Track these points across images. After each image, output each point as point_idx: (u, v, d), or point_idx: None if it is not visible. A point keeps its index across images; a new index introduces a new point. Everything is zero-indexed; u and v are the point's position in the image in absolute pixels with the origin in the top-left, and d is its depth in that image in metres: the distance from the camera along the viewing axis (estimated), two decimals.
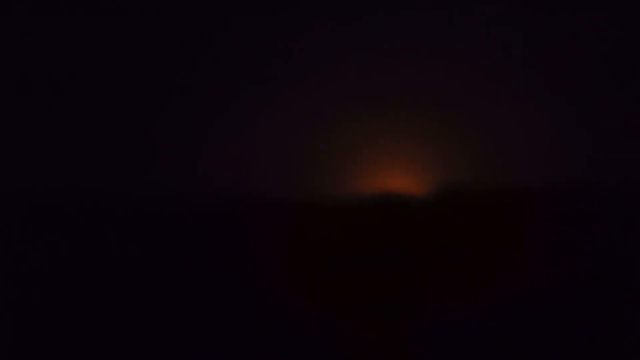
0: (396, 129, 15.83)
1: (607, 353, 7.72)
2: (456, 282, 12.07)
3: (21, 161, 15.03)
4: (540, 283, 11.79)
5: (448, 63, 14.79)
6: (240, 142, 15.27)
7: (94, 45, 14.65)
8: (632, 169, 14.89)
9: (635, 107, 14.69)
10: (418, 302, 10.45)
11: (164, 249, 15.93)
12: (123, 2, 14.39)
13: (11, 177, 14.75)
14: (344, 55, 14.55)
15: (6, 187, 15.00)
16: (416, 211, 17.48)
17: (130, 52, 14.69)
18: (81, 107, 14.96)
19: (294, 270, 13.37)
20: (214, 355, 7.75)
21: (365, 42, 14.74)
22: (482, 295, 10.83)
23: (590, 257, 14.06)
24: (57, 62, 14.83)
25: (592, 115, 14.73)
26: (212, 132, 15.14)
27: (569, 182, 16.77)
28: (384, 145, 16.16)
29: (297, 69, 14.49)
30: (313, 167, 16.26)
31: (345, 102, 15.01)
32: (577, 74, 14.72)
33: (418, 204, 17.92)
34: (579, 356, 7.61)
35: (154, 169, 15.31)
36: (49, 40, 14.63)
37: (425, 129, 16.11)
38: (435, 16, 14.62)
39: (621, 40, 13.96)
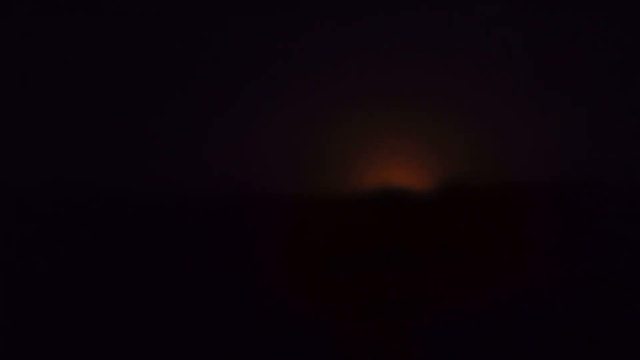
0: (397, 128, 15.83)
1: (607, 353, 7.72)
2: (456, 280, 12.07)
3: (21, 161, 15.03)
4: (540, 282, 11.79)
5: (448, 62, 14.79)
6: (240, 140, 15.27)
7: (94, 45, 14.64)
8: (632, 169, 14.89)
9: (635, 107, 14.69)
10: (418, 301, 10.45)
11: (164, 249, 15.93)
12: (123, 2, 14.40)
13: (11, 177, 14.74)
14: (344, 55, 14.55)
15: (6, 186, 15.00)
16: (417, 208, 17.47)
17: (131, 52, 14.69)
18: (81, 107, 14.96)
19: (294, 268, 13.37)
20: (214, 355, 7.75)
21: (365, 42, 14.73)
22: (482, 295, 10.82)
23: (590, 257, 14.06)
24: (57, 62, 14.82)
25: (592, 115, 14.73)
26: (212, 131, 15.14)
27: (569, 181, 16.76)
28: (384, 144, 16.16)
29: (297, 69, 14.50)
30: (313, 166, 16.25)
31: (345, 102, 15.01)
32: (577, 74, 14.72)
33: (419, 202, 17.91)
34: (579, 356, 7.61)
35: (155, 168, 15.31)
36: (49, 41, 14.63)
37: (426, 127, 16.11)
38: (435, 16, 14.62)
39: (621, 40, 13.97)
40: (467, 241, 15.97)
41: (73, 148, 14.93)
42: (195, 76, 14.62)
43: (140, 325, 9.17)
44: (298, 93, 14.35)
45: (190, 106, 14.53)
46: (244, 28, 14.40)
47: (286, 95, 14.37)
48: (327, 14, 14.38)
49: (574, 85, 14.00)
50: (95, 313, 9.89)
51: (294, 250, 15.52)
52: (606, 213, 16.65)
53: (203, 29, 14.35)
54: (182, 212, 17.79)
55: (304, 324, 9.08)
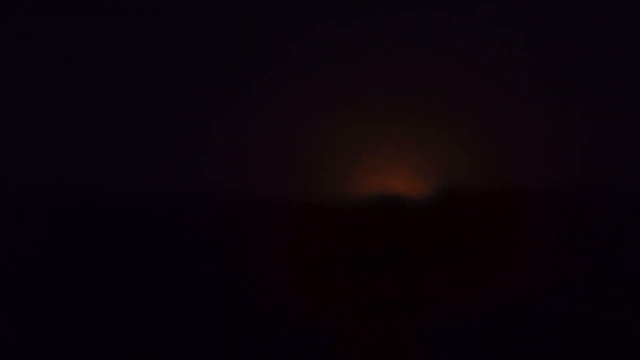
0: (396, 129, 15.86)
1: (607, 353, 7.72)
2: (456, 282, 12.08)
3: (21, 161, 15.06)
4: (540, 283, 11.80)
5: (448, 63, 14.81)
6: (240, 142, 15.30)
7: (94, 45, 14.67)
8: (632, 169, 14.92)
9: (635, 107, 14.73)
10: (419, 303, 10.46)
11: (164, 249, 15.92)
12: (123, 2, 14.43)
13: (11, 177, 14.77)
14: (343, 55, 14.58)
15: (6, 187, 15.02)
16: (416, 212, 17.49)
17: (131, 52, 14.71)
18: (81, 107, 14.99)
19: (294, 270, 13.38)
20: (214, 355, 7.75)
21: (365, 42, 14.76)
22: (482, 296, 10.84)
23: (590, 257, 14.06)
24: (57, 62, 14.86)
25: (592, 115, 14.77)
26: (212, 132, 15.17)
27: (569, 182, 16.80)
28: (384, 146, 16.19)
29: (297, 69, 14.52)
30: (313, 168, 16.29)
31: (345, 103, 15.04)
32: (577, 74, 14.76)
33: (418, 205, 17.94)
34: (579, 356, 7.61)
35: (155, 168, 15.34)
36: (49, 41, 14.66)
37: (425, 128, 16.14)
38: (435, 16, 14.64)
39: (621, 40, 13.99)
40: (467, 242, 15.97)
41: (72, 148, 14.98)
42: (195, 77, 14.66)
43: (141, 326, 9.18)
44: (298, 94, 14.39)
45: (190, 107, 14.58)
46: (244, 28, 14.42)
47: (285, 97, 14.41)
48: (327, 14, 14.39)
49: (574, 86, 14.04)
50: (95, 313, 9.90)
51: (294, 251, 15.53)
52: (606, 214, 16.64)
53: (203, 29, 14.38)
54: (182, 212, 17.81)
55: (303, 324, 9.08)
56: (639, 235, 15.12)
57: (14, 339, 8.55)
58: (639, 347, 7.90)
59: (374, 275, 12.83)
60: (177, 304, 10.43)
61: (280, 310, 9.94)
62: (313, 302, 10.45)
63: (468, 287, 11.52)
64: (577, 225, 15.82)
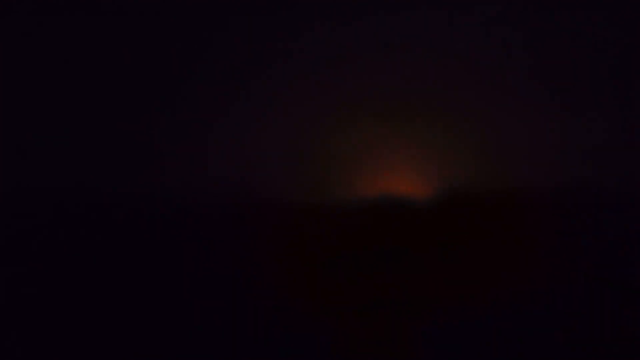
0: (397, 130, 15.82)
1: (607, 353, 7.71)
2: (457, 283, 12.06)
3: (21, 161, 15.03)
4: (540, 284, 11.78)
5: (448, 63, 14.79)
6: (240, 143, 15.27)
7: (94, 45, 14.65)
8: (632, 169, 14.89)
9: (635, 107, 14.68)
10: (419, 305, 10.44)
11: (165, 249, 15.91)
12: (123, 2, 14.40)
13: (11, 177, 14.74)
14: (344, 55, 14.55)
15: (6, 187, 14.99)
16: (417, 213, 17.45)
17: (131, 52, 14.69)
18: (81, 107, 14.96)
19: (294, 271, 13.36)
20: (214, 355, 7.74)
21: (365, 42, 14.73)
22: (483, 296, 10.81)
23: (590, 257, 14.05)
24: (57, 62, 14.83)
25: (593, 115, 14.73)
26: (212, 132, 15.14)
27: (569, 183, 16.75)
28: (384, 147, 16.16)
29: (298, 69, 14.49)
30: (314, 168, 16.25)
31: (345, 103, 15.01)
32: (577, 74, 14.72)
33: (419, 206, 17.89)
34: (579, 356, 7.60)
35: (154, 169, 15.31)
36: (49, 40, 14.63)
37: (425, 130, 16.10)
38: (435, 16, 14.62)
39: (621, 40, 13.96)
40: (469, 244, 15.95)
41: (72, 148, 14.92)
42: (196, 76, 14.62)
43: (141, 326, 9.16)
44: (298, 94, 14.34)
45: (190, 107, 14.53)
46: (244, 28, 14.39)
47: (286, 96, 14.36)
48: (327, 14, 14.37)
49: (574, 86, 13.99)
50: (95, 314, 9.88)
51: (295, 253, 15.51)
52: (606, 214, 16.62)
53: (203, 29, 14.35)
54: (181, 212, 17.76)
55: (304, 324, 9.07)
56: (639, 235, 15.11)
57: (14, 338, 8.54)
58: (639, 347, 7.90)
59: (375, 275, 12.81)
60: (178, 304, 10.41)
61: (280, 310, 9.92)
62: (313, 302, 10.43)
63: (468, 287, 11.50)
64: (577, 226, 15.80)
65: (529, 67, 14.96)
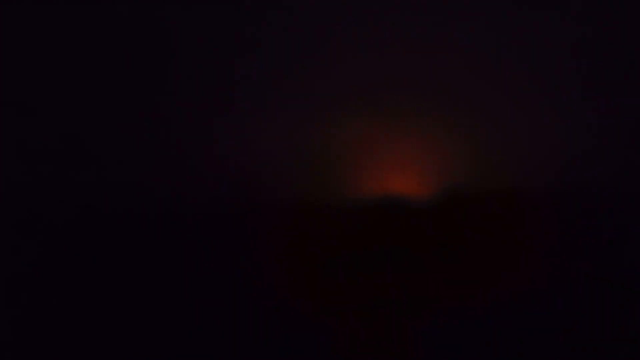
0: (397, 130, 15.81)
1: (607, 353, 7.71)
2: (457, 283, 12.06)
3: (21, 161, 15.02)
4: (540, 284, 11.79)
5: (449, 63, 14.80)
6: (239, 142, 15.27)
7: (94, 45, 14.66)
8: (632, 169, 14.88)
9: (636, 107, 14.69)
10: (419, 305, 10.44)
11: (164, 249, 15.91)
12: (123, 2, 14.41)
13: (11, 177, 14.74)
14: (345, 55, 14.56)
15: (6, 187, 14.99)
16: (418, 213, 17.44)
17: (131, 53, 14.70)
18: (81, 108, 14.96)
19: (294, 270, 13.36)
20: (214, 355, 7.74)
21: (365, 42, 14.74)
22: (483, 296, 10.81)
23: (590, 257, 14.05)
24: (56, 61, 14.84)
25: (593, 115, 14.73)
26: (211, 132, 15.14)
27: (570, 183, 16.74)
28: (385, 146, 16.14)
29: (298, 68, 14.50)
30: (313, 168, 16.23)
31: (345, 102, 15.01)
32: (577, 74, 14.73)
33: (420, 206, 17.87)
34: (579, 356, 7.61)
35: (154, 169, 15.30)
36: (49, 40, 14.65)
37: (427, 129, 16.09)
38: (435, 15, 14.63)
39: (621, 40, 13.96)
40: (469, 243, 15.95)
41: (72, 148, 14.93)
42: (195, 76, 14.63)
43: (141, 326, 9.16)
44: (298, 95, 14.35)
45: (189, 107, 14.54)
46: (244, 28, 14.40)
47: (285, 96, 14.37)
48: (327, 13, 14.38)
49: (574, 86, 13.99)
50: (95, 314, 9.88)
51: (295, 253, 15.51)
52: (606, 214, 16.61)
53: (203, 29, 14.37)
54: (181, 212, 17.74)
55: (304, 324, 9.07)
56: (639, 235, 15.11)
57: (14, 338, 8.54)
58: (639, 347, 7.90)
59: (375, 275, 12.82)
60: (177, 304, 10.41)
61: (280, 310, 9.92)
62: (313, 302, 10.43)
63: (469, 287, 11.51)
64: (578, 225, 15.80)
65: (529, 67, 14.97)
